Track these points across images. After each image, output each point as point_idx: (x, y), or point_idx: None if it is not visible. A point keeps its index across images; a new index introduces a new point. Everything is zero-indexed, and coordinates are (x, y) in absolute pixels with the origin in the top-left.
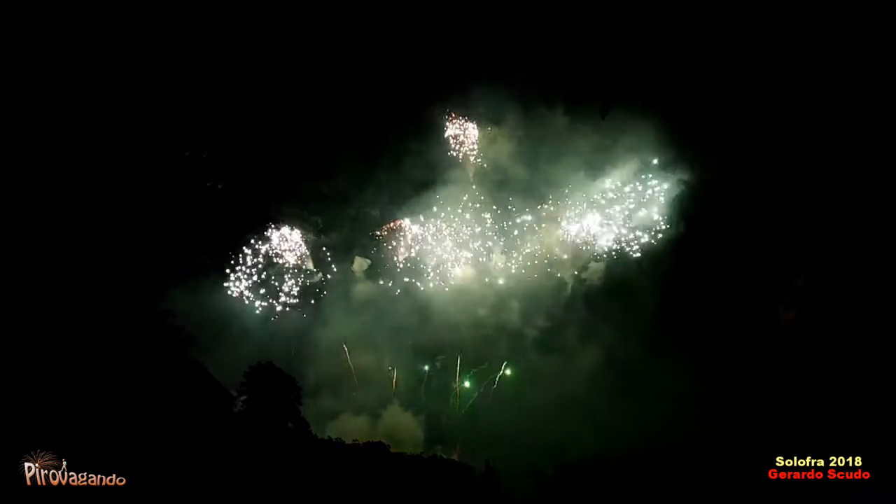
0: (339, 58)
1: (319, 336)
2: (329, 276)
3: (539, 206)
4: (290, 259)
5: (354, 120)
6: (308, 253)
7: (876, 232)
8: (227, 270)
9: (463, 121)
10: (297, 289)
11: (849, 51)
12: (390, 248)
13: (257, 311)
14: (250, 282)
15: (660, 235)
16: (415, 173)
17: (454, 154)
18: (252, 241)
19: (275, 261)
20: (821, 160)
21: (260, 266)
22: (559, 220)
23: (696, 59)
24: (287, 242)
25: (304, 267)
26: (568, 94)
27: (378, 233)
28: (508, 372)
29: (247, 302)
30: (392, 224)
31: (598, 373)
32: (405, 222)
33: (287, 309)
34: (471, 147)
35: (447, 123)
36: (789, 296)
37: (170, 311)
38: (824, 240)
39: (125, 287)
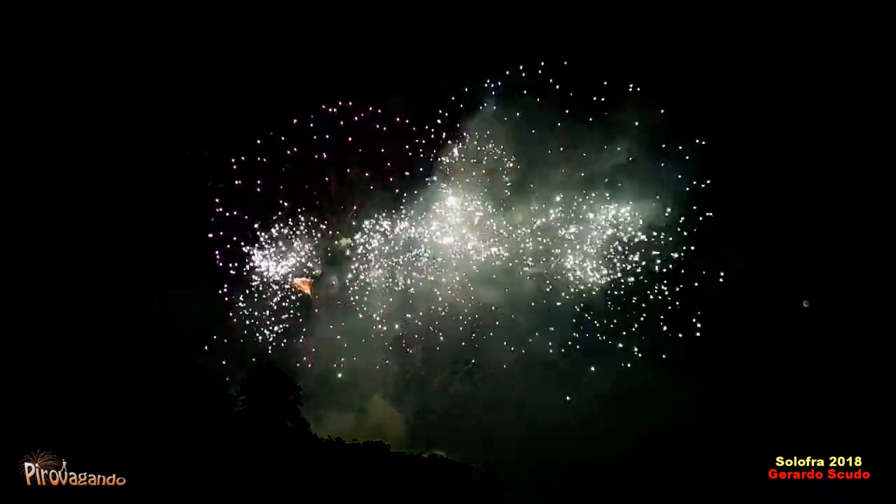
0: (340, 56)
1: (314, 336)
2: (329, 278)
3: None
4: (290, 260)
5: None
6: (309, 253)
7: (878, 230)
8: (227, 270)
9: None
10: (296, 289)
11: (856, 43)
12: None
13: (259, 311)
14: (250, 282)
15: (661, 233)
16: (418, 173)
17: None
18: (252, 241)
19: (274, 263)
20: (827, 155)
21: (260, 266)
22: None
23: (697, 56)
24: (287, 244)
25: (300, 269)
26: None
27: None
28: (491, 371)
29: (247, 302)
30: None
31: (597, 375)
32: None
33: (287, 312)
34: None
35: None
36: (788, 296)
37: (169, 312)
38: (823, 239)
39: (125, 287)
